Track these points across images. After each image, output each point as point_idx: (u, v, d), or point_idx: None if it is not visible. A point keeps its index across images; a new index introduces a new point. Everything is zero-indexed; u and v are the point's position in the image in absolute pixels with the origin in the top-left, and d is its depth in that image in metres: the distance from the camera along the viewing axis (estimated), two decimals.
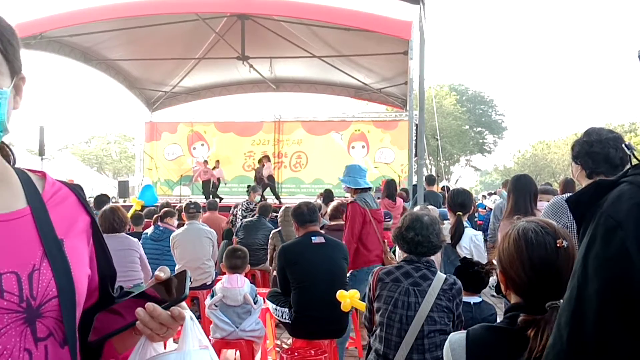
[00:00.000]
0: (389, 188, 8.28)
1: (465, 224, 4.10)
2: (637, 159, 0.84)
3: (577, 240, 0.84)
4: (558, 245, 1.44)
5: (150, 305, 0.99)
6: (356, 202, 5.00)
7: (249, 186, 11.10)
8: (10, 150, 1.12)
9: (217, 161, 15.42)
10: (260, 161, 14.89)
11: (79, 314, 1.04)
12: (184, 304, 1.06)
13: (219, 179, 14.93)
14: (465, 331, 1.52)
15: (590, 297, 0.71)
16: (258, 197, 9.57)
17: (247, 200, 9.29)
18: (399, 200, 8.34)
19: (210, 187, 14.64)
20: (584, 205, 0.79)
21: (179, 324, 1.02)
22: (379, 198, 8.84)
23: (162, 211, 6.73)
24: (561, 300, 1.36)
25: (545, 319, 1.35)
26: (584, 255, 0.75)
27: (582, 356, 0.72)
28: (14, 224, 1.00)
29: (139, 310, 0.99)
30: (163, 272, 1.09)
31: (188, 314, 1.04)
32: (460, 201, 4.16)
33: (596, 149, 2.57)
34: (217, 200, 11.54)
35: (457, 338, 1.52)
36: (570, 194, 2.89)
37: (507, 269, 1.51)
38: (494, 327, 1.51)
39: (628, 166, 0.82)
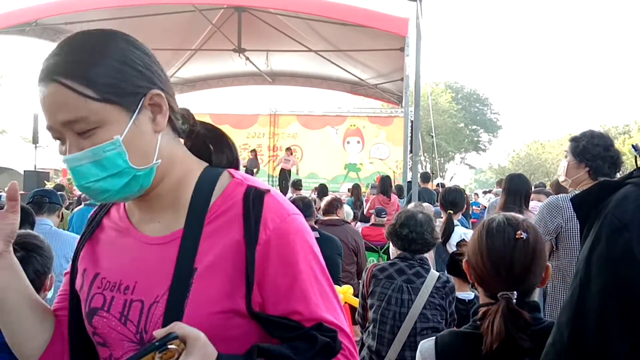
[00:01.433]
0: (384, 184, 8.29)
1: (456, 222, 4.12)
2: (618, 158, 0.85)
3: (580, 240, 0.84)
4: (517, 236, 1.44)
5: None
6: None
7: (295, 181, 11.09)
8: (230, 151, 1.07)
9: None
10: (252, 152, 14.95)
11: None
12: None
13: None
14: (434, 338, 1.55)
15: (593, 297, 0.71)
16: (314, 195, 9.20)
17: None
18: (394, 197, 8.35)
19: None
20: (588, 206, 0.79)
21: None
22: (373, 194, 8.86)
23: None
24: (515, 293, 1.41)
25: (496, 309, 1.37)
26: (587, 256, 0.75)
27: (582, 356, 0.72)
28: (163, 249, 0.94)
29: None
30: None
31: None
32: (452, 199, 4.18)
33: (612, 153, 2.58)
34: None
35: (426, 346, 1.54)
36: (565, 194, 2.91)
37: (470, 256, 1.53)
38: (462, 332, 1.53)
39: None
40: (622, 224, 0.70)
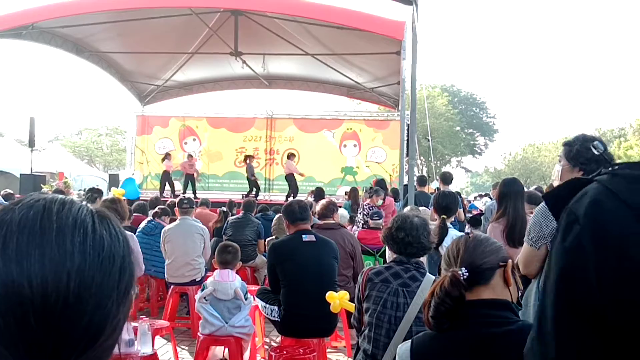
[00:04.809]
0: (379, 187, 8.30)
1: (449, 224, 4.16)
2: (605, 158, 0.89)
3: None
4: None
5: None
6: None
7: (371, 188, 10.59)
8: None
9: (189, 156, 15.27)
10: (246, 158, 14.72)
11: None
12: None
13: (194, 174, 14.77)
14: (410, 340, 1.67)
15: (550, 288, 0.76)
16: (380, 202, 8.83)
17: (368, 203, 8.86)
18: (389, 199, 8.36)
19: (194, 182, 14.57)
20: (561, 202, 0.83)
21: None
22: (368, 197, 8.86)
23: (157, 208, 6.79)
24: (462, 269, 1.60)
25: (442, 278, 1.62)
26: (551, 249, 0.81)
27: (544, 345, 0.76)
28: None
29: None
30: None
31: None
32: (445, 205, 4.21)
33: (606, 156, 2.60)
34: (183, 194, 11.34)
35: (404, 349, 1.66)
36: None
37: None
38: (436, 334, 1.61)
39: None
40: (575, 217, 0.74)
